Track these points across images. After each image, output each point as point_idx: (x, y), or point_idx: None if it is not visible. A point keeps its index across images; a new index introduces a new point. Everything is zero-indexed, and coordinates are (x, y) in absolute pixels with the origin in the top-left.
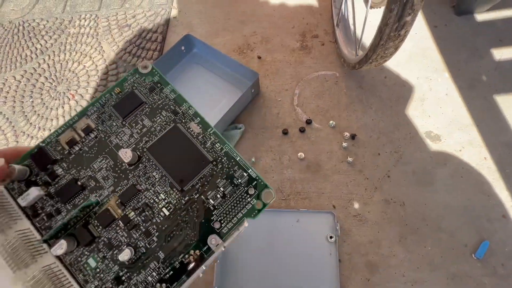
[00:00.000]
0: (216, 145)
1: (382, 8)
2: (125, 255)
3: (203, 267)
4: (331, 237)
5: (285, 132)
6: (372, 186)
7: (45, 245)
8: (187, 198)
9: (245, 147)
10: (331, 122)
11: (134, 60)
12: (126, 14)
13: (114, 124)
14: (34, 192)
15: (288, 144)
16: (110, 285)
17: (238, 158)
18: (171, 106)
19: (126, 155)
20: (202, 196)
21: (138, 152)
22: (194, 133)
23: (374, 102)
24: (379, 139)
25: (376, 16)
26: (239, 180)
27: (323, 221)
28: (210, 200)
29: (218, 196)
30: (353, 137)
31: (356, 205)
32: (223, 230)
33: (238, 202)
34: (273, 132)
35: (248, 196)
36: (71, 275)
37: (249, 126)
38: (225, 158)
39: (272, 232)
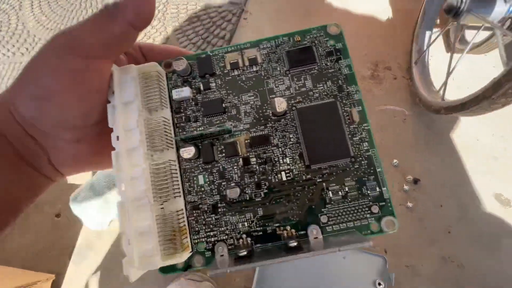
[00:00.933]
0: (364, 144)
1: (482, 55)
2: (233, 192)
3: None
4: (379, 284)
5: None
6: (430, 239)
7: (174, 143)
8: (309, 176)
9: None
10: (394, 160)
11: (198, 51)
12: (196, 5)
13: (279, 69)
14: (187, 92)
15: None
16: (206, 208)
17: (379, 169)
18: (340, 81)
19: (280, 105)
20: (324, 184)
21: (287, 106)
22: (348, 119)
23: (442, 149)
24: (443, 189)
25: (469, 61)
26: (368, 192)
27: (372, 264)
28: (330, 193)
29: (340, 193)
30: (416, 181)
31: (410, 255)
32: (327, 228)
33: (355, 211)
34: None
35: (368, 212)
36: (180, 180)
37: None
38: (365, 162)
39: (316, 262)
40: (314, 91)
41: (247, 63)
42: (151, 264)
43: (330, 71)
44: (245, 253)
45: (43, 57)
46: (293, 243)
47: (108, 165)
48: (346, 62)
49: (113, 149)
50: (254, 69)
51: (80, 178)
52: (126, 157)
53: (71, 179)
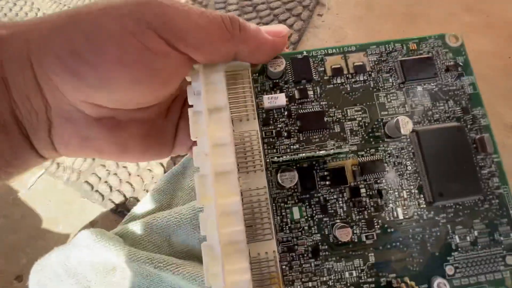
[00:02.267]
0: (494, 179)
1: None
2: (345, 234)
3: None
4: None
5: None
6: None
7: (264, 164)
8: (431, 215)
9: None
10: None
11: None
12: None
13: (391, 80)
14: (282, 99)
15: None
16: (302, 251)
17: None
18: (463, 101)
19: (406, 125)
20: (449, 226)
21: None
22: (475, 148)
23: None
24: None
25: None
26: (501, 238)
27: None
28: (456, 237)
29: (468, 238)
30: None
31: None
32: (453, 281)
33: (486, 261)
34: None
35: (502, 263)
36: (271, 209)
37: None
38: (496, 201)
39: None
40: (433, 111)
41: (352, 71)
42: None
43: (451, 88)
44: None
45: (113, 15)
46: None
47: (126, 158)
48: (470, 80)
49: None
50: (361, 78)
51: (64, 223)
52: (213, 181)
53: (49, 221)
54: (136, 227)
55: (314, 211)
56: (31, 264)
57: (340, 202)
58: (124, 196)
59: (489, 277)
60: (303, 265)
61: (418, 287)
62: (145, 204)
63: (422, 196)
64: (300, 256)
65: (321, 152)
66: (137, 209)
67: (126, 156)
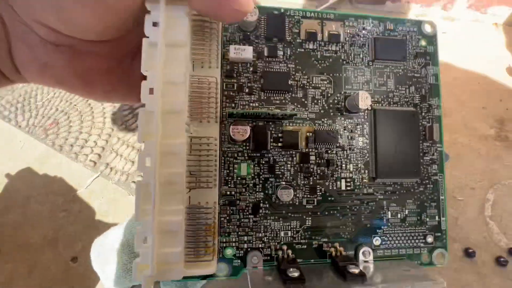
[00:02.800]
0: (434, 166)
1: None
2: (286, 194)
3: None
4: None
5: (469, 254)
6: None
7: (219, 116)
8: (371, 190)
9: None
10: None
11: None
12: None
13: (361, 56)
14: (249, 52)
15: (473, 275)
16: (243, 206)
17: (443, 197)
18: (424, 90)
19: (365, 100)
20: (385, 202)
21: None
22: (424, 135)
23: None
24: None
25: None
26: (427, 219)
27: None
28: (388, 213)
29: (399, 216)
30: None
31: None
32: (377, 251)
33: (409, 237)
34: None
35: (422, 240)
36: (218, 165)
37: None
38: (431, 186)
39: None
40: (394, 93)
41: (326, 39)
42: (172, 273)
43: (416, 75)
44: (296, 274)
45: None
46: (355, 269)
47: (90, 94)
48: (434, 70)
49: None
50: (334, 48)
51: (114, 215)
52: (160, 119)
53: (101, 214)
54: None
55: (262, 170)
56: (85, 249)
57: (289, 165)
58: None
59: (409, 251)
60: (242, 220)
61: (346, 253)
62: None
63: (366, 172)
64: (240, 211)
65: (277, 110)
66: None
67: (90, 91)
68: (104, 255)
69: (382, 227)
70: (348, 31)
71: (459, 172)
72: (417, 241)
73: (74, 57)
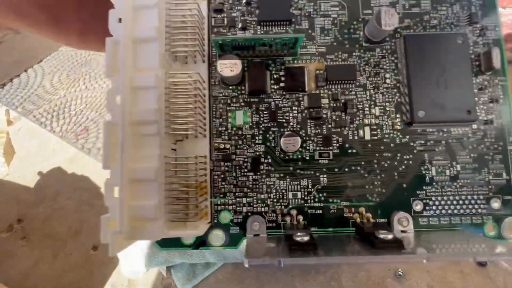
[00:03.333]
0: (495, 106)
1: None
2: (291, 143)
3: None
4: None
5: None
6: None
7: (207, 50)
8: (405, 140)
9: None
10: None
11: None
12: None
13: None
14: None
15: (456, 273)
16: (241, 162)
17: (511, 147)
18: (474, 6)
19: (390, 18)
20: (426, 155)
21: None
22: (477, 66)
23: None
24: None
25: None
26: (489, 177)
27: None
28: (433, 169)
29: (448, 172)
30: None
31: None
32: (420, 220)
33: (464, 201)
34: None
35: (485, 205)
36: (208, 113)
37: None
38: (492, 133)
39: None
40: (432, 15)
41: None
42: (149, 232)
43: None
44: (306, 238)
45: None
46: (387, 235)
47: (61, 34)
48: None
49: (109, 34)
50: None
51: None
52: (130, 50)
53: None
54: None
55: (262, 119)
56: None
57: (295, 111)
58: None
59: (466, 220)
60: (239, 178)
61: (376, 220)
62: None
63: (398, 116)
64: (237, 167)
65: (277, 35)
66: None
67: (61, 30)
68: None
69: (424, 188)
70: None
71: None
72: (476, 206)
73: None
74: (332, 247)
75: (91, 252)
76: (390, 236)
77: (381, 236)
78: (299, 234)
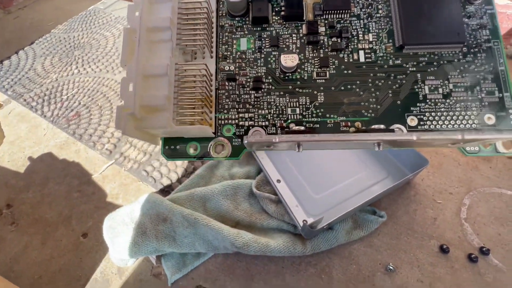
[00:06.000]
0: (483, 31)
1: None
2: (290, 59)
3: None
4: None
5: (444, 250)
6: None
7: None
8: (398, 62)
9: (382, 243)
10: None
11: None
12: None
13: None
14: None
15: (447, 269)
16: (243, 81)
17: (503, 68)
18: None
19: None
20: (419, 75)
21: None
22: None
23: None
24: None
25: None
26: (482, 95)
27: None
28: (426, 87)
29: (440, 90)
30: None
31: None
32: (414, 136)
33: (458, 117)
34: (424, 240)
35: (478, 122)
36: (216, 38)
37: (390, 218)
38: (482, 55)
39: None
40: None
41: None
42: (159, 121)
43: None
44: (303, 128)
45: None
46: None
47: None
48: None
49: None
50: None
51: (124, 198)
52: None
53: (112, 197)
54: (181, 196)
55: (264, 44)
56: (96, 226)
57: (294, 38)
58: (170, 180)
59: (456, 130)
60: (242, 96)
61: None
62: (188, 183)
63: (391, 41)
64: (240, 86)
65: None
66: (182, 187)
67: None
68: (114, 228)
69: (418, 105)
70: None
71: (440, 179)
72: (470, 122)
73: None
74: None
75: (81, 239)
76: (383, 126)
77: (375, 127)
78: (296, 126)
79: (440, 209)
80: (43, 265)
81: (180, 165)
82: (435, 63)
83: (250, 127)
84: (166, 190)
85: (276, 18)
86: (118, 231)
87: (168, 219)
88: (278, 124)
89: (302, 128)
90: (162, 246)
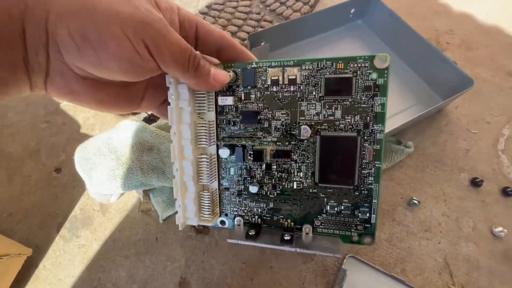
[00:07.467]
0: (370, 178)
1: None
2: (253, 188)
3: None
4: None
5: (476, 183)
6: None
7: (215, 142)
8: (315, 191)
9: (405, 176)
10: None
11: (275, 5)
12: None
13: (314, 93)
14: (230, 101)
15: (477, 203)
16: (233, 192)
17: (375, 201)
18: (368, 117)
19: (305, 133)
20: (325, 199)
21: (312, 130)
22: (363, 155)
23: None
24: None
25: None
26: (359, 215)
27: None
28: (328, 207)
29: (335, 209)
30: None
31: None
32: (317, 229)
33: (343, 224)
34: (453, 174)
35: (354, 227)
36: (217, 169)
37: (416, 149)
38: (365, 192)
39: None
40: (341, 121)
41: (286, 82)
42: (189, 220)
43: (362, 105)
44: (253, 233)
45: (120, 23)
46: (287, 237)
47: (94, 107)
48: (381, 100)
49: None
50: (292, 89)
51: (101, 129)
52: (178, 148)
53: (87, 128)
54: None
55: (243, 172)
56: (69, 160)
57: (258, 171)
58: None
59: (342, 233)
60: (232, 199)
61: (294, 226)
62: None
63: (313, 178)
64: (231, 194)
65: (249, 141)
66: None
67: (100, 107)
68: (88, 159)
69: (322, 214)
70: (304, 73)
71: (477, 107)
72: (349, 227)
73: (98, 87)
74: (266, 235)
75: (53, 174)
76: (288, 238)
77: (285, 237)
78: (251, 230)
79: (474, 139)
80: (12, 202)
81: None
82: (336, 194)
83: (236, 215)
84: (151, 119)
85: (250, 158)
86: (94, 162)
87: (154, 148)
88: (250, 216)
89: (253, 232)
90: (148, 179)
